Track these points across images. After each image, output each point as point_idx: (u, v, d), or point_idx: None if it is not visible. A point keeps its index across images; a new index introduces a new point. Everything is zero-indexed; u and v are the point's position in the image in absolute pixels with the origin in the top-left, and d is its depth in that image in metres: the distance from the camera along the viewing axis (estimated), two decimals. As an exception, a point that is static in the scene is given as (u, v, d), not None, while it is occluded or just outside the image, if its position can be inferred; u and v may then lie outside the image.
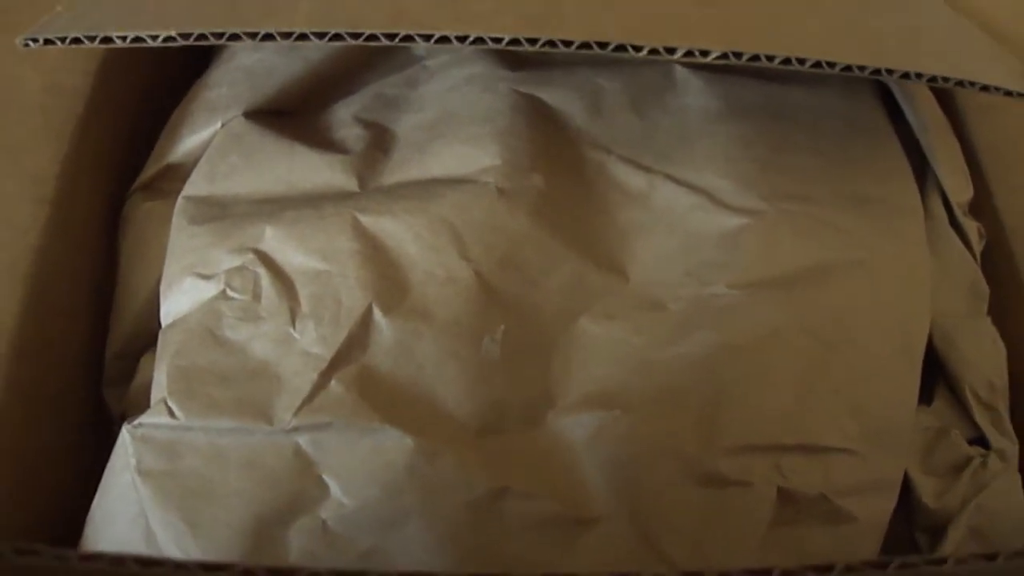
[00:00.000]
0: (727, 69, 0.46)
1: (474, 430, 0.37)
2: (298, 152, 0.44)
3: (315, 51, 0.47)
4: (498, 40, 0.35)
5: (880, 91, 0.47)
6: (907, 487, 0.40)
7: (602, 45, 0.35)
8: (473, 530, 0.36)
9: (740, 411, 0.38)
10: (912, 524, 0.40)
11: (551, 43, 0.35)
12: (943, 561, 0.27)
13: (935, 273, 0.42)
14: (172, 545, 0.36)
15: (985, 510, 0.39)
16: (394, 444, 0.36)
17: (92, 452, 0.41)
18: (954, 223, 0.44)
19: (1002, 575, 0.27)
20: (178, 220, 0.42)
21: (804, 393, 0.38)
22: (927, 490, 0.40)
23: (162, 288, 0.41)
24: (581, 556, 0.36)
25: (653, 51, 0.35)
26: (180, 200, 0.43)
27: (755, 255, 0.41)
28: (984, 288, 0.43)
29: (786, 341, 0.39)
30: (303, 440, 0.37)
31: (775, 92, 0.46)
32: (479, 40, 0.35)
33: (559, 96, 0.46)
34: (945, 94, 0.48)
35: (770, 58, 0.36)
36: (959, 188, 0.44)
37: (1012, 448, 0.40)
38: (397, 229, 0.40)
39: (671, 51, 0.35)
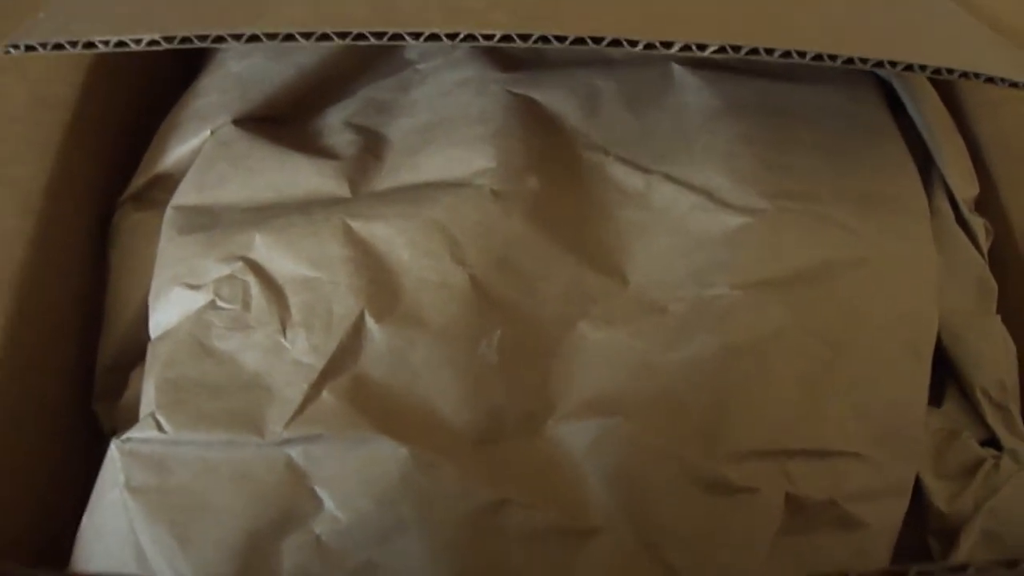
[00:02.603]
0: (725, 68, 0.45)
1: (472, 439, 0.36)
2: (288, 159, 0.42)
3: (305, 56, 0.45)
4: (490, 37, 0.33)
5: (883, 89, 0.46)
6: (918, 491, 0.38)
7: (596, 40, 0.34)
8: (472, 542, 0.34)
9: (744, 415, 0.36)
10: (924, 528, 0.38)
11: (544, 39, 0.33)
12: (963, 569, 0.25)
13: (942, 271, 0.40)
14: (163, 562, 0.34)
15: (999, 513, 0.37)
16: (388, 454, 0.35)
17: (83, 467, 0.39)
18: (960, 220, 0.42)
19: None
20: (167, 230, 0.40)
21: (809, 396, 0.37)
22: (939, 494, 0.38)
23: (150, 299, 0.39)
24: (583, 567, 0.34)
25: (649, 45, 0.34)
26: (169, 210, 0.41)
27: (757, 254, 0.39)
28: (992, 285, 0.41)
29: (790, 342, 0.37)
30: (295, 452, 0.35)
31: (775, 90, 0.44)
32: (470, 37, 0.34)
33: (554, 97, 0.44)
34: (948, 92, 0.46)
35: (769, 51, 0.34)
36: (965, 185, 0.42)
37: (1024, 449, 0.39)
38: (389, 234, 0.39)
39: (668, 45, 0.34)
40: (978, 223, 0.42)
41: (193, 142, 0.43)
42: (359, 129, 0.44)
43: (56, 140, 0.42)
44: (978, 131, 0.45)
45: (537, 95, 0.44)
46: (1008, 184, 0.43)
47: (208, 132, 0.43)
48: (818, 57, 0.34)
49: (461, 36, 0.33)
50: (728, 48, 0.34)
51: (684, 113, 0.43)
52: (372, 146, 0.43)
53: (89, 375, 0.42)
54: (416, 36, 0.34)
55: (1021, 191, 0.43)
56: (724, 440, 0.36)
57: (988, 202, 0.43)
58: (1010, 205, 0.43)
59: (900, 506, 0.36)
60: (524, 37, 0.34)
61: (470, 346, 0.37)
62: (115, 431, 0.38)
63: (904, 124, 0.44)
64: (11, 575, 0.23)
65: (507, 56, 0.45)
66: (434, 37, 0.34)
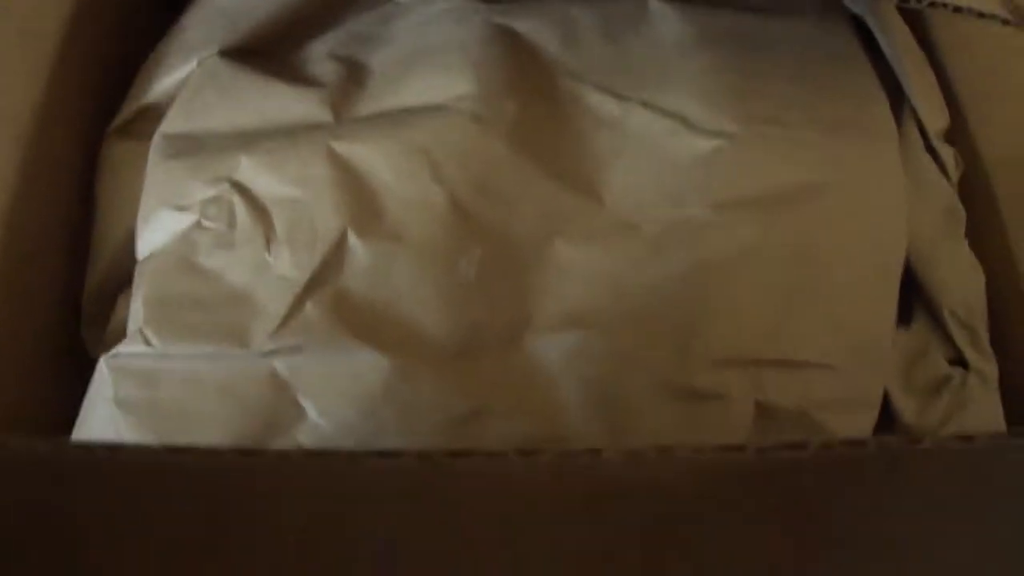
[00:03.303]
0: (699, 0, 0.47)
1: (451, 351, 0.37)
2: (273, 87, 0.44)
3: (289, -9, 0.47)
4: None
5: (854, 23, 0.47)
6: (888, 406, 0.40)
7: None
8: (450, 449, 0.36)
9: (716, 327, 0.38)
10: (892, 443, 0.40)
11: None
12: (920, 440, 0.27)
13: (911, 197, 0.42)
14: (150, 473, 0.36)
15: (965, 427, 0.39)
16: (370, 365, 0.36)
17: (72, 392, 0.40)
18: (930, 149, 0.44)
19: (978, 456, 0.27)
20: (154, 156, 0.42)
21: (781, 309, 0.39)
22: (907, 408, 0.40)
23: (138, 223, 0.41)
24: (559, 474, 0.36)
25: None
26: (156, 137, 0.43)
27: (729, 176, 0.41)
28: (961, 212, 0.43)
29: (762, 259, 0.39)
30: (279, 363, 0.37)
31: (749, 22, 0.46)
32: None
33: (533, 26, 0.46)
34: (920, 29, 0.48)
35: (742, -23, 0.36)
36: (934, 116, 0.44)
37: (991, 368, 0.41)
38: (371, 155, 0.40)
39: None
40: (948, 152, 0.43)
41: (179, 73, 0.45)
42: (341, 59, 0.45)
43: (45, 72, 0.43)
44: (949, 66, 0.46)
45: (516, 25, 0.46)
46: (977, 119, 0.45)
47: (194, 63, 0.45)
48: (788, -17, 0.36)
49: None
50: None
51: (659, 43, 0.45)
52: (354, 75, 0.45)
53: (78, 301, 0.43)
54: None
55: (989, 126, 0.45)
56: (696, 351, 0.37)
57: (958, 136, 0.45)
58: (979, 139, 0.44)
59: (869, 417, 0.38)
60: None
61: (450, 263, 0.39)
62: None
63: (875, 58, 0.46)
64: (6, 446, 0.25)
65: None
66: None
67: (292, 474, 0.25)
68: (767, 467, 0.27)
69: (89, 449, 0.26)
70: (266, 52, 0.46)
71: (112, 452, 0.25)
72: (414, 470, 0.26)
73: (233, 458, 0.25)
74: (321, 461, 0.25)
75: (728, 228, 0.39)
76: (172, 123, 0.43)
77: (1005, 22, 0.40)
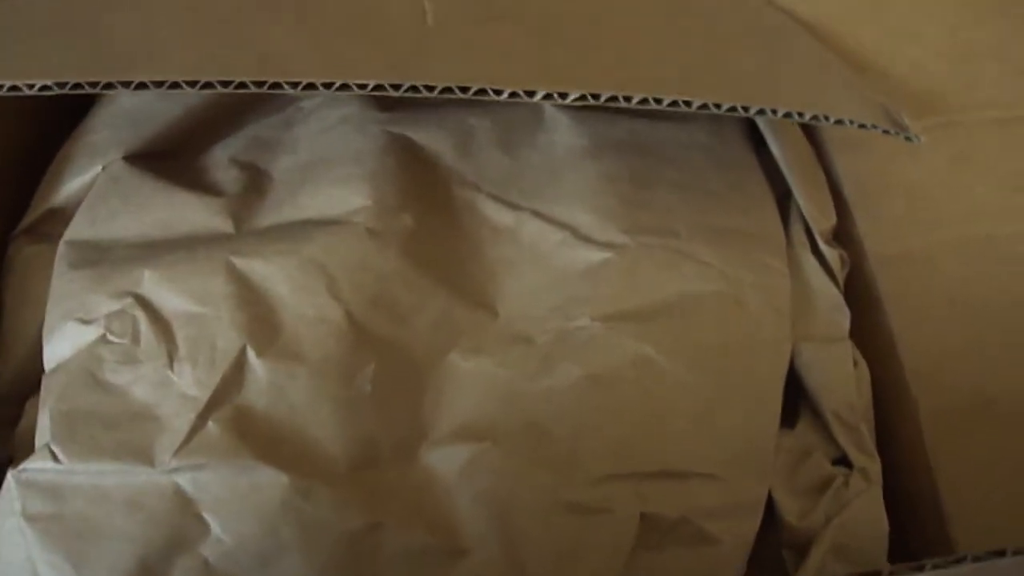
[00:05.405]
0: (595, 107, 0.49)
1: (348, 465, 0.40)
2: (176, 195, 0.46)
3: (194, 95, 0.49)
4: (363, 86, 0.38)
5: (748, 125, 0.51)
6: (773, 508, 0.43)
7: (464, 89, 0.38)
8: (349, 563, 0.39)
9: (601, 441, 0.41)
10: (779, 543, 0.43)
11: (414, 88, 0.38)
12: None
13: (796, 300, 0.45)
14: (59, 588, 0.38)
15: (847, 527, 0.42)
16: (269, 481, 0.39)
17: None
18: (816, 251, 0.47)
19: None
20: (59, 265, 0.45)
21: (663, 421, 0.42)
22: (791, 510, 0.43)
23: (44, 333, 0.44)
24: (456, 585, 0.39)
25: (513, 94, 0.38)
26: (61, 245, 0.45)
27: (617, 288, 0.44)
28: (845, 312, 0.46)
29: (646, 371, 0.42)
30: (183, 480, 0.39)
31: (642, 128, 0.49)
32: (345, 87, 0.38)
33: (430, 136, 0.49)
34: (811, 127, 0.51)
35: (627, 98, 0.39)
36: (821, 217, 0.48)
37: (874, 466, 0.44)
38: (269, 271, 0.43)
39: (531, 94, 0.39)
40: (833, 254, 0.47)
41: (85, 177, 0.48)
42: (244, 166, 0.48)
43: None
44: (837, 163, 0.50)
45: (414, 134, 0.49)
46: (864, 215, 0.48)
47: (99, 167, 0.48)
48: (674, 103, 0.39)
49: (336, 85, 0.38)
50: (588, 96, 0.39)
51: (553, 151, 0.48)
52: (256, 183, 0.48)
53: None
54: (294, 85, 0.38)
55: (876, 223, 0.48)
56: (582, 464, 0.41)
57: (846, 233, 0.48)
58: (866, 236, 0.48)
59: (751, 523, 0.42)
60: (396, 87, 0.38)
61: (346, 378, 0.41)
62: (12, 460, 0.42)
63: (767, 157, 0.49)
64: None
65: (386, 96, 0.50)
66: (311, 86, 0.38)
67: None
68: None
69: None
70: (170, 155, 0.49)
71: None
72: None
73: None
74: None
75: (613, 341, 0.43)
76: (77, 230, 0.46)
77: (885, 132, 0.43)
